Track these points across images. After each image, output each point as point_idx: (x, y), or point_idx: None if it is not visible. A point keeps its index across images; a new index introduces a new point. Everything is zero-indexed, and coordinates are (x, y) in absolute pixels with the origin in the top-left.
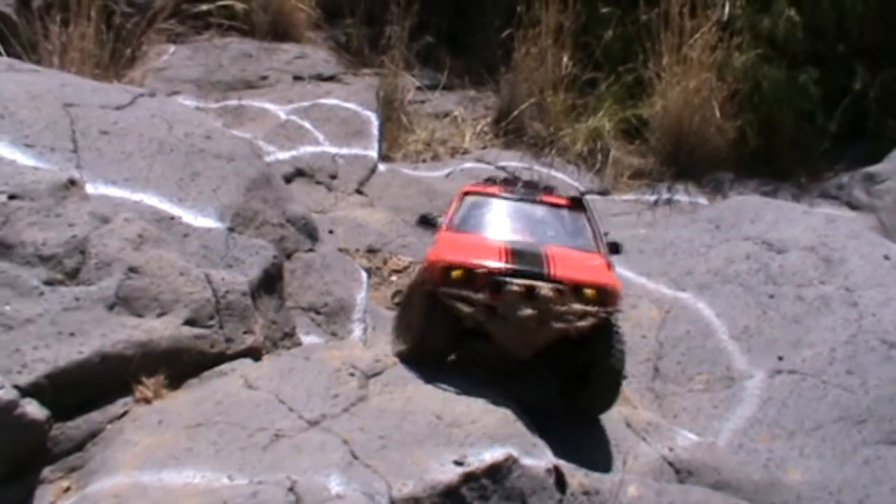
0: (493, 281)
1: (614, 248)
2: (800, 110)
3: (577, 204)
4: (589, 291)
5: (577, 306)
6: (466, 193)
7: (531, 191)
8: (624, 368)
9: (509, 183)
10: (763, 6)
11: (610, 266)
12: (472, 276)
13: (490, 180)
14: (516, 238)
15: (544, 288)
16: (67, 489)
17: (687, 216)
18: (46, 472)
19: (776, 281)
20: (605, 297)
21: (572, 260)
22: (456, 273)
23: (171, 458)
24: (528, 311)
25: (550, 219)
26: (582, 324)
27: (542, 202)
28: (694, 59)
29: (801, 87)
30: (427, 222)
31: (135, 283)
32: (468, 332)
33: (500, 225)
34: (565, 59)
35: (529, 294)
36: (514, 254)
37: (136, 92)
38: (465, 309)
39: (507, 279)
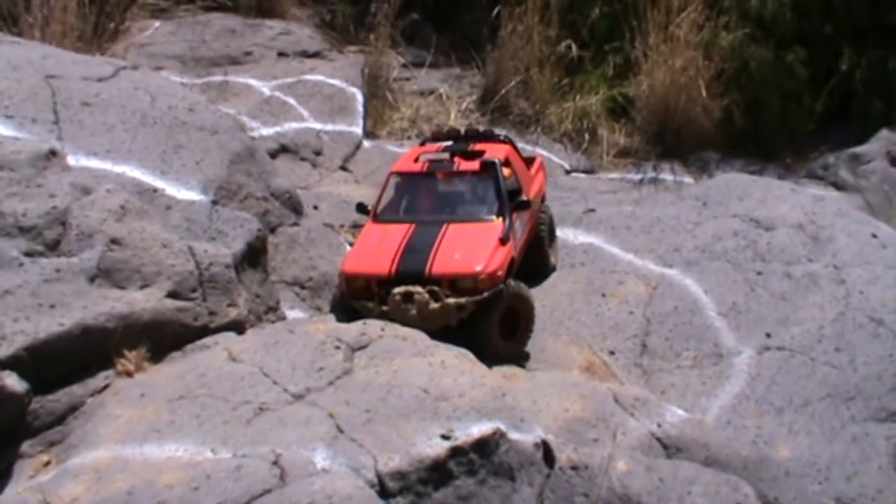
0: (380, 291)
1: (523, 205)
2: (786, 90)
3: (487, 168)
4: (466, 282)
5: (453, 301)
6: (392, 174)
7: (450, 153)
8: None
9: (450, 136)
10: None
11: (503, 239)
12: (367, 285)
13: (435, 135)
14: (424, 219)
15: (418, 293)
16: (47, 463)
17: (674, 193)
18: (26, 446)
19: (764, 258)
20: (480, 284)
21: (462, 244)
22: (355, 284)
23: (153, 432)
24: (410, 314)
25: (461, 189)
26: (460, 315)
27: (455, 172)
28: (681, 37)
29: (787, 68)
30: (362, 210)
31: (116, 255)
32: None
33: (413, 207)
34: (553, 36)
35: (408, 299)
36: (406, 251)
37: (118, 64)
38: (366, 313)
39: (391, 289)
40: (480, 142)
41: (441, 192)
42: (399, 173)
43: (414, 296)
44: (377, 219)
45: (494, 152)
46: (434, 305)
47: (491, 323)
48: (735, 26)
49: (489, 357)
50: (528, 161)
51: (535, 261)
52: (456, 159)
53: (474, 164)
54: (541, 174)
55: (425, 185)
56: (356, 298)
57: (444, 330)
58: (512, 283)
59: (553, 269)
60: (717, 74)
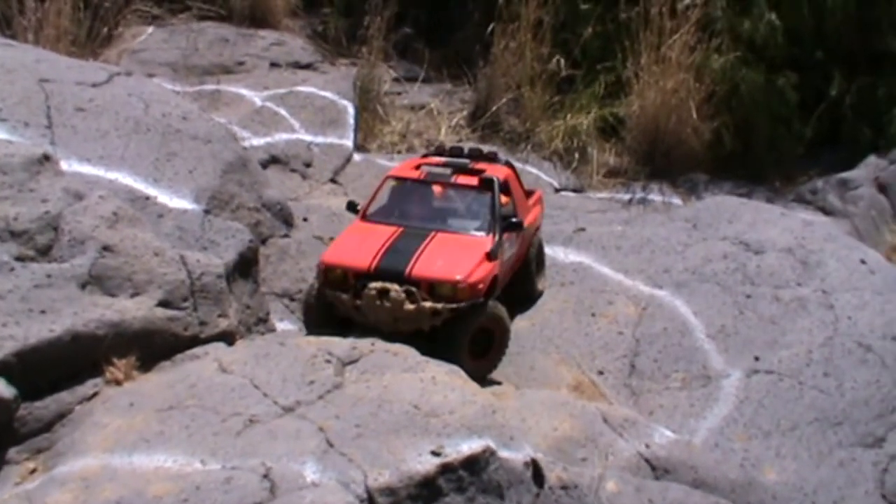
0: (356, 283)
1: (515, 226)
2: (776, 114)
3: (485, 185)
4: (444, 289)
5: (428, 304)
6: (388, 178)
7: (451, 168)
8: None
9: (452, 154)
10: (743, 9)
11: (490, 254)
12: (345, 277)
13: (438, 149)
14: (413, 225)
15: (395, 291)
16: (33, 471)
17: (664, 214)
18: (12, 452)
19: (753, 281)
20: (459, 293)
21: (447, 252)
22: (333, 274)
23: (141, 441)
24: (383, 311)
25: (455, 201)
26: (433, 321)
27: (453, 185)
28: (672, 59)
29: (778, 91)
30: (352, 209)
31: (108, 262)
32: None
33: (404, 212)
34: (545, 55)
35: (383, 295)
36: (389, 251)
37: (112, 70)
38: (340, 305)
39: (368, 283)
40: (482, 162)
41: (435, 201)
42: (396, 178)
43: (390, 293)
44: (366, 218)
45: (495, 173)
46: (409, 306)
47: (462, 336)
48: (727, 49)
49: None
50: (528, 193)
51: (521, 286)
52: (455, 174)
53: (473, 180)
54: (538, 207)
55: (420, 192)
56: (331, 289)
57: (412, 339)
58: (491, 302)
59: (539, 294)
60: (707, 96)
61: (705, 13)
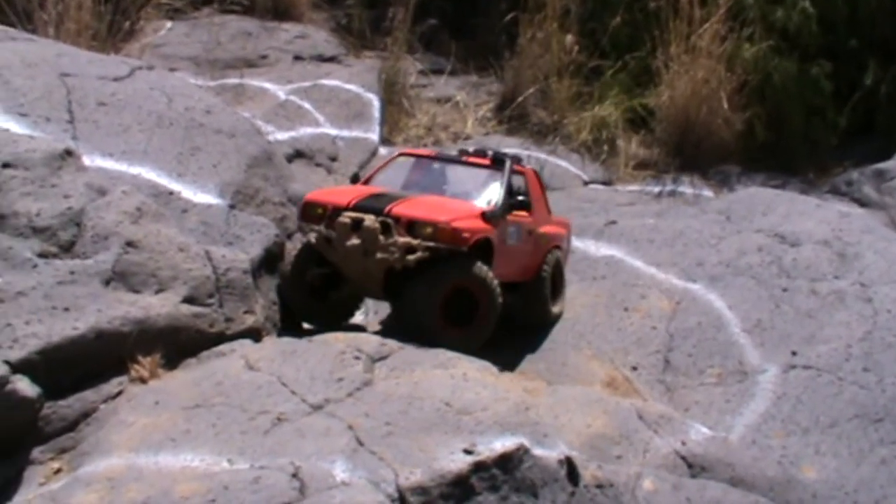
0: (331, 215)
1: (521, 205)
2: (810, 104)
3: (497, 164)
4: (425, 229)
5: (403, 240)
6: (399, 154)
7: (462, 153)
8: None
9: (477, 154)
10: None
11: (487, 214)
12: (324, 212)
13: (461, 151)
14: (412, 190)
15: (369, 220)
16: (58, 471)
17: (696, 207)
18: (36, 452)
19: (789, 274)
20: (439, 233)
21: (436, 205)
22: (312, 210)
23: (168, 440)
24: (353, 241)
25: (461, 176)
26: (410, 257)
27: (463, 162)
28: (703, 48)
29: (812, 81)
30: (355, 180)
31: (132, 258)
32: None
33: (406, 180)
34: (570, 43)
35: (357, 226)
36: (372, 196)
37: (134, 64)
38: (312, 239)
39: (342, 213)
40: (518, 166)
41: (443, 176)
42: (406, 154)
43: (363, 223)
44: (366, 183)
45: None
46: (382, 239)
47: (435, 289)
48: (759, 38)
49: (424, 336)
50: (559, 222)
51: (533, 306)
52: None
53: (485, 160)
54: (562, 229)
55: (429, 166)
56: (307, 223)
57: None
58: (478, 264)
59: (556, 318)
60: (739, 86)
61: (736, 1)
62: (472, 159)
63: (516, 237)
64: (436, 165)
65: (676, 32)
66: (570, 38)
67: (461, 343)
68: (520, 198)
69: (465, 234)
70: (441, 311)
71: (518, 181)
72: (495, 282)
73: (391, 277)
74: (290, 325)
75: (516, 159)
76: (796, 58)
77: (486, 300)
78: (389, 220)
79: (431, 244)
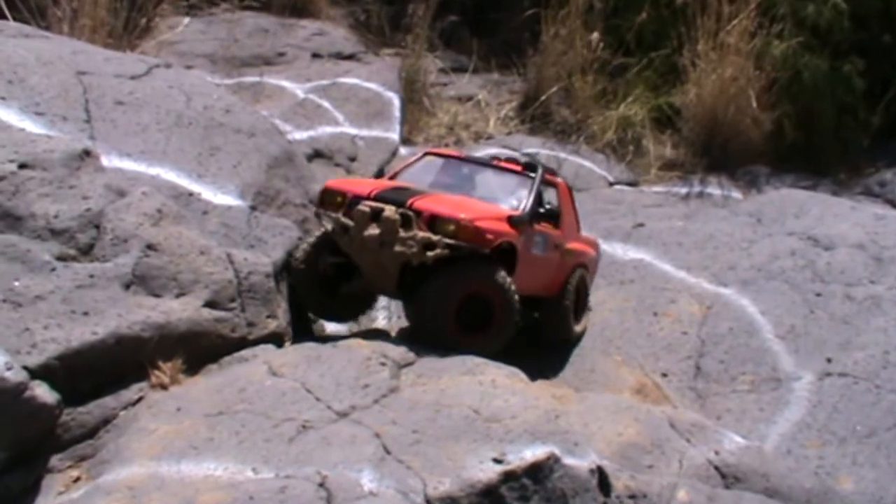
0: (350, 203)
1: (551, 216)
2: (841, 103)
3: (528, 170)
4: (447, 226)
5: (422, 234)
6: (427, 153)
7: (492, 158)
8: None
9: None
10: None
11: (513, 219)
12: (343, 200)
13: (493, 158)
14: (437, 189)
15: (389, 211)
16: (77, 479)
17: (726, 209)
18: (55, 460)
19: (823, 279)
20: (461, 231)
21: (461, 204)
22: (331, 197)
23: (190, 448)
24: (371, 232)
25: (489, 180)
26: (430, 253)
27: (493, 166)
28: (731, 45)
29: (843, 79)
30: (380, 175)
31: (153, 261)
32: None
33: (432, 179)
34: (595, 41)
35: (376, 217)
36: (396, 189)
37: (151, 62)
38: (328, 226)
39: (362, 202)
40: (551, 177)
41: (471, 178)
42: (433, 153)
43: (383, 213)
44: (390, 177)
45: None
46: (401, 232)
47: (452, 290)
48: (789, 34)
49: (434, 340)
50: (588, 241)
51: (554, 322)
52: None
53: (516, 166)
54: (590, 248)
55: (457, 168)
56: (325, 210)
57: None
58: (498, 270)
59: (578, 337)
60: (768, 84)
61: None
62: (502, 164)
63: (542, 248)
64: (464, 167)
65: (704, 29)
66: (596, 35)
67: (472, 351)
68: (548, 207)
69: (489, 236)
70: (455, 316)
71: (549, 193)
72: (514, 290)
73: (406, 274)
74: (302, 329)
75: (549, 170)
76: (827, 55)
77: (502, 308)
78: (410, 213)
79: (452, 242)
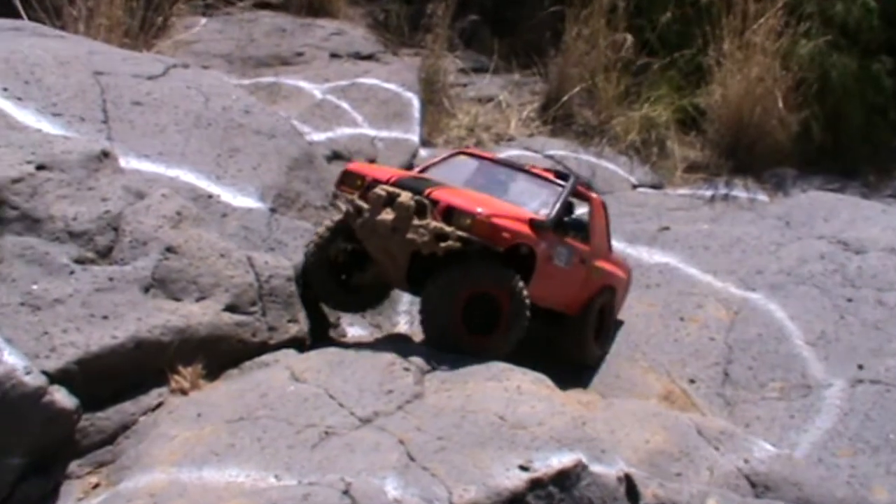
0: (368, 186)
1: (577, 227)
2: (870, 103)
3: (560, 178)
4: (462, 219)
5: (436, 224)
6: (459, 152)
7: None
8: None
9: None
10: None
11: (535, 223)
12: (362, 183)
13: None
14: (463, 187)
15: (405, 197)
16: (96, 485)
17: (753, 212)
18: (73, 466)
19: (854, 283)
20: (476, 226)
21: (481, 200)
22: (351, 179)
23: (211, 455)
24: (384, 216)
25: (518, 183)
26: (442, 245)
27: (524, 171)
28: (757, 45)
29: (872, 78)
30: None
31: (172, 265)
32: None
33: (458, 176)
34: (625, 41)
35: (391, 202)
36: (416, 178)
37: (168, 62)
38: (342, 206)
39: (380, 186)
40: (579, 188)
41: (499, 179)
42: (465, 153)
43: (398, 199)
44: (418, 171)
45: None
46: (415, 220)
47: (460, 286)
48: (816, 33)
49: (437, 337)
50: (621, 264)
51: (573, 340)
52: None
53: (549, 173)
54: (622, 272)
55: (487, 169)
56: (343, 192)
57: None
58: (512, 273)
59: (597, 361)
60: (795, 85)
61: None
62: (534, 170)
63: (565, 260)
64: (494, 169)
65: (730, 28)
66: (629, 38)
67: (476, 351)
68: (575, 217)
69: (505, 234)
70: (461, 315)
71: (582, 206)
72: (526, 295)
73: (416, 267)
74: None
75: (585, 184)
76: (856, 54)
77: (511, 312)
78: (426, 202)
79: (465, 235)
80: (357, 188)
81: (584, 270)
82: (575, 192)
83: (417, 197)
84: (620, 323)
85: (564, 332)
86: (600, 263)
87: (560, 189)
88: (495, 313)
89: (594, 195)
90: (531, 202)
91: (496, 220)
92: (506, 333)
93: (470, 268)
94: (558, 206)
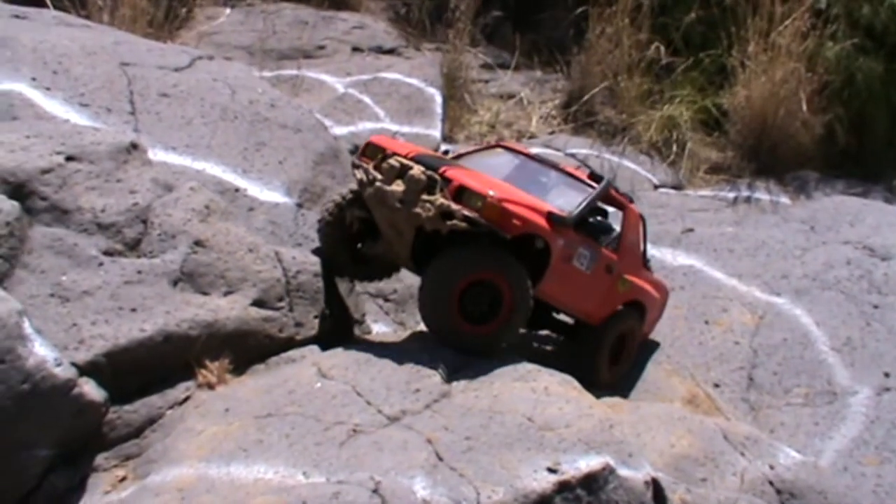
0: (383, 157)
1: (601, 230)
2: None
3: (593, 179)
4: (472, 200)
5: (443, 201)
6: (497, 145)
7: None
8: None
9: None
10: None
11: (553, 217)
12: (382, 156)
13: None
14: (493, 178)
15: (416, 170)
16: (123, 478)
17: (777, 215)
18: (100, 458)
19: (881, 290)
20: (486, 209)
21: (497, 185)
22: (373, 151)
23: (239, 451)
24: (394, 188)
25: (547, 180)
26: (449, 223)
27: (557, 168)
28: (782, 46)
29: None
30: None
31: (200, 258)
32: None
33: (490, 167)
34: (643, 41)
35: (402, 173)
36: (435, 156)
37: (193, 54)
38: (357, 174)
39: (395, 157)
40: (614, 194)
41: (531, 173)
42: (502, 146)
43: (410, 171)
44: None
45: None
46: (425, 195)
47: (459, 271)
48: (842, 36)
49: (432, 322)
50: (656, 283)
51: (583, 353)
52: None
53: (582, 173)
54: (658, 293)
55: (522, 164)
56: (362, 158)
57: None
58: (518, 262)
59: (606, 385)
60: (820, 87)
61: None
62: (567, 168)
63: (587, 263)
64: (534, 167)
65: (755, 29)
66: (656, 43)
67: (471, 343)
68: (600, 220)
69: (515, 221)
70: (458, 301)
71: (615, 213)
72: (529, 286)
73: (423, 246)
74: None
75: (620, 191)
76: (882, 57)
77: (511, 302)
78: (437, 177)
79: (472, 216)
80: (373, 158)
81: (610, 280)
82: (608, 198)
83: (429, 172)
84: (656, 344)
85: (579, 342)
86: (630, 276)
87: (589, 189)
88: (496, 303)
89: (631, 205)
90: (556, 198)
91: (507, 206)
92: (504, 324)
93: (472, 251)
94: (583, 205)
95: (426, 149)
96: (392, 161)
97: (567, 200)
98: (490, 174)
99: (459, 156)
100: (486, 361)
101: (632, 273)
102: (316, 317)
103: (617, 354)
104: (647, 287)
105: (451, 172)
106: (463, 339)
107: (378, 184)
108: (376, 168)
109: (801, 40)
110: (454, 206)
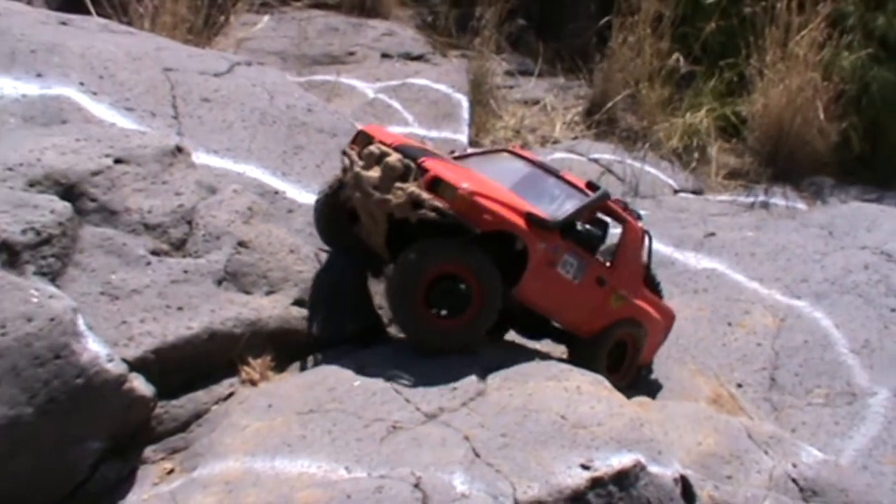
0: (366, 144)
1: (588, 238)
2: None
3: (589, 188)
4: (445, 191)
5: (417, 190)
6: (504, 150)
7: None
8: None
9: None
10: (878, 4)
11: (532, 217)
12: (369, 143)
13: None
14: (492, 182)
15: (393, 157)
16: (171, 471)
17: (795, 220)
18: (148, 451)
19: None
20: (456, 201)
21: (477, 180)
22: (364, 139)
23: (283, 445)
24: (370, 173)
25: (545, 185)
26: (408, 212)
27: (555, 175)
28: (799, 56)
29: None
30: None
31: (244, 259)
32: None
33: (489, 170)
34: (664, 50)
35: (380, 160)
36: (419, 147)
37: (232, 60)
38: (345, 161)
39: (376, 144)
40: (620, 209)
41: (529, 179)
42: (511, 151)
43: (387, 159)
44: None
45: (627, 214)
46: (399, 183)
47: (426, 264)
48: (858, 46)
49: (397, 315)
50: (659, 306)
51: (578, 365)
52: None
53: (580, 182)
54: (660, 316)
55: (522, 168)
56: (351, 145)
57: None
58: (486, 256)
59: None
60: (836, 96)
61: (836, 8)
62: (566, 176)
63: (574, 271)
64: (526, 167)
65: (772, 39)
66: (677, 55)
67: (433, 338)
68: (589, 228)
69: (486, 216)
70: (425, 294)
71: (613, 227)
72: (498, 283)
73: (395, 235)
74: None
75: (625, 205)
76: None
77: (478, 299)
78: (413, 166)
79: (441, 207)
80: (362, 146)
81: (601, 293)
82: (605, 209)
83: (406, 161)
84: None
85: (575, 352)
86: (626, 293)
87: (584, 197)
88: (465, 299)
89: (633, 221)
90: (547, 203)
91: (478, 199)
92: (470, 321)
93: (441, 244)
94: (571, 211)
95: (414, 140)
96: (373, 147)
97: (560, 206)
98: (489, 176)
99: (463, 156)
100: (521, 361)
101: (630, 290)
102: (354, 316)
103: (617, 363)
104: (648, 307)
105: (429, 163)
106: (427, 333)
107: (357, 169)
108: (359, 155)
109: (817, 50)
110: (424, 196)
